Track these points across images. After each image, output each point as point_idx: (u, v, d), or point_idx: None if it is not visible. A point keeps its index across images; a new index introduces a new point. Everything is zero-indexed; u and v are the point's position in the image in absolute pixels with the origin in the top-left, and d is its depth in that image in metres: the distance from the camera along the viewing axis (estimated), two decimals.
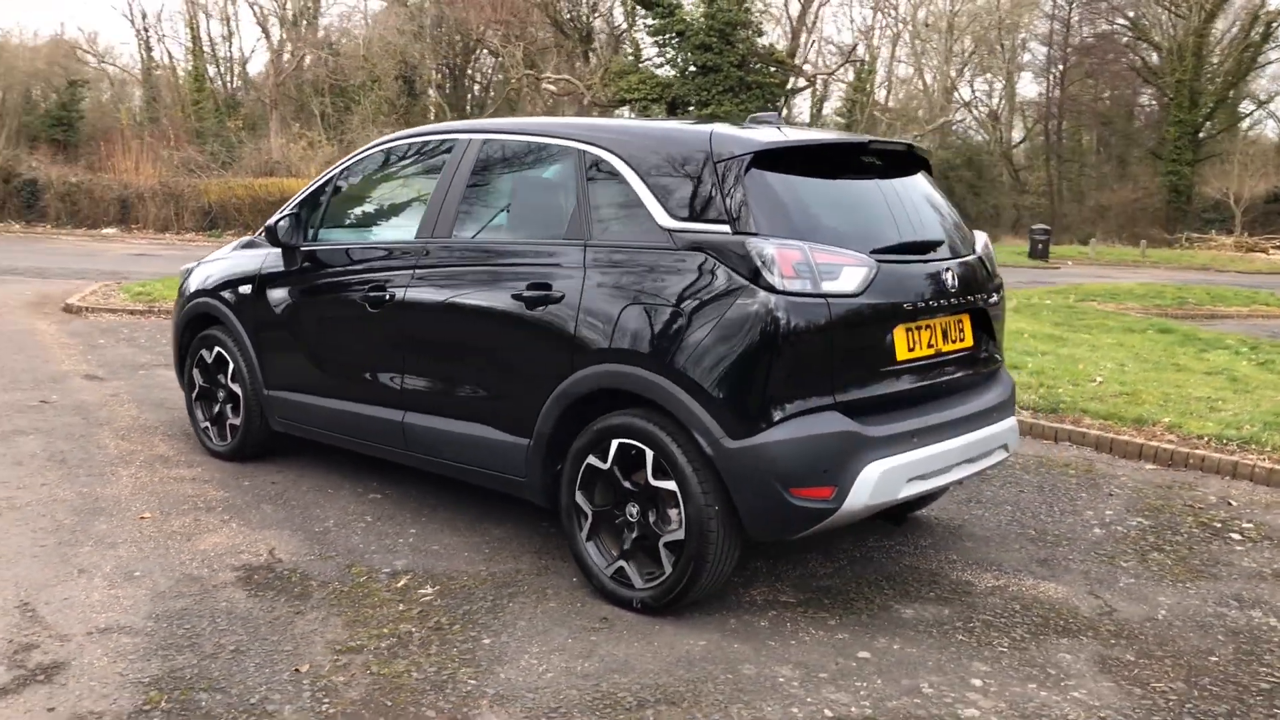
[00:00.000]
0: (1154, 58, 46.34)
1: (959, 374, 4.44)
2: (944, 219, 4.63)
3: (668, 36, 33.32)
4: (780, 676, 3.63)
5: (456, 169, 4.88)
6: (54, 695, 3.36)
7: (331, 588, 4.30)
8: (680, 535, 3.96)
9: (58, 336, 10.15)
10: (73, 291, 13.05)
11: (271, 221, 5.48)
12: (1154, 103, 48.16)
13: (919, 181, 4.68)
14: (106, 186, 26.07)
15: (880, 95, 44.81)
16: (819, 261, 3.85)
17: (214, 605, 4.08)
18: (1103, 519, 5.44)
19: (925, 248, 4.32)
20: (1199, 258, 32.82)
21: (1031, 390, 7.95)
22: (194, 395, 6.20)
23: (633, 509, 4.13)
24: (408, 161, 5.42)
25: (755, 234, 3.88)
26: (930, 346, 4.23)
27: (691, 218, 4.04)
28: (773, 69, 34.08)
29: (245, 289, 5.74)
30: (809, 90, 42.52)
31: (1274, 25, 42.21)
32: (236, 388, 5.85)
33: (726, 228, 3.94)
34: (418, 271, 4.85)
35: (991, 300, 4.66)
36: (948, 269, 4.29)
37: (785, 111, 38.54)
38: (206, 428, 6.13)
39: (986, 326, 4.61)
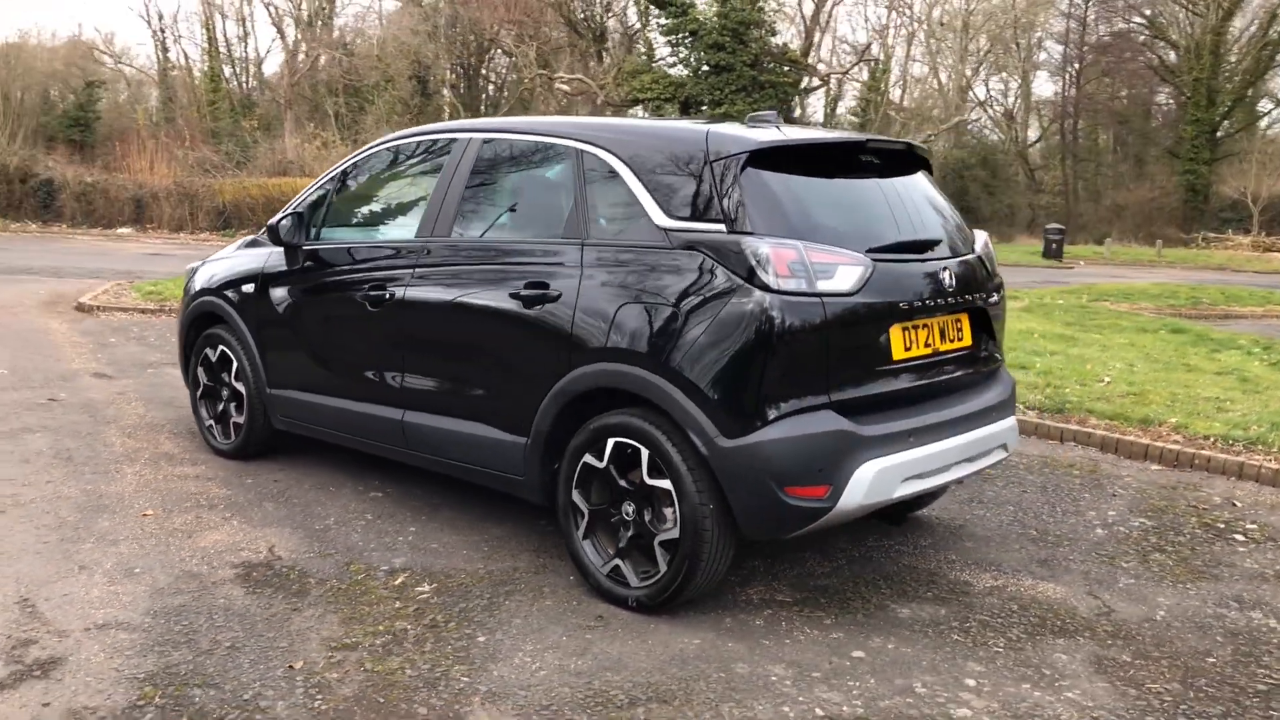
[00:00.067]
0: (1171, 56, 46.05)
1: (957, 373, 4.43)
2: (943, 218, 4.61)
3: (681, 36, 33.29)
4: (773, 675, 3.62)
5: (456, 168, 4.90)
6: (50, 691, 3.38)
7: (329, 585, 4.32)
8: (675, 534, 3.96)
9: (69, 335, 10.21)
10: (86, 290, 13.12)
11: (273, 221, 5.51)
12: (1171, 101, 47.88)
13: (919, 181, 4.67)
14: (122, 186, 26.21)
15: (895, 94, 44.72)
16: (814, 261, 3.85)
17: (212, 602, 4.11)
18: (1105, 519, 5.42)
19: (923, 247, 4.31)
20: (1216, 257, 32.61)
21: (1038, 390, 7.93)
22: (198, 394, 6.23)
23: (629, 508, 4.13)
24: (409, 161, 5.44)
25: (751, 233, 3.88)
26: (928, 346, 4.22)
27: (688, 217, 4.05)
28: (786, 68, 34.01)
29: (248, 288, 5.77)
30: (823, 90, 42.43)
31: None
32: (240, 386, 5.88)
33: (722, 227, 3.94)
34: (417, 270, 4.87)
35: (991, 300, 4.65)
36: (945, 268, 4.28)
37: (799, 111, 38.48)
38: (211, 426, 6.16)
39: (986, 326, 4.60)
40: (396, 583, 4.36)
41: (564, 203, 4.49)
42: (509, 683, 3.53)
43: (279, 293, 5.60)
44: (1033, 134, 51.27)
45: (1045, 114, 50.88)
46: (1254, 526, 5.37)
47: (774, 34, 34.62)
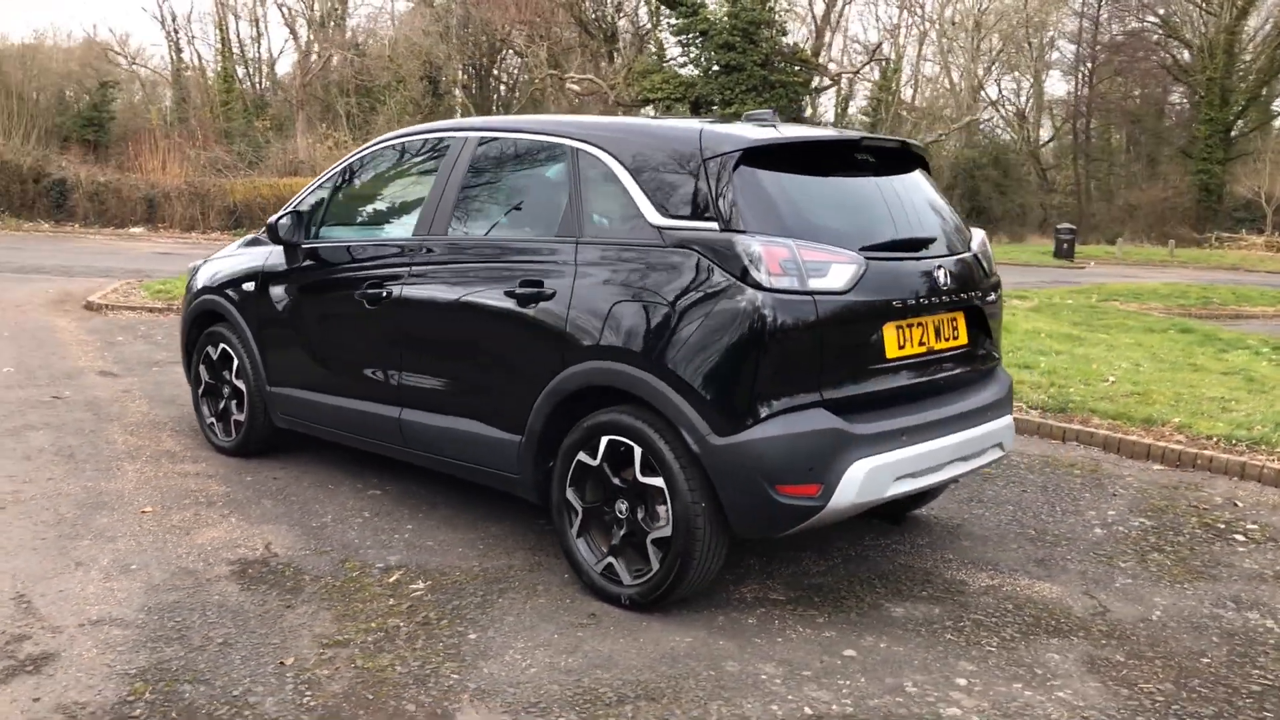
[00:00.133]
0: (1185, 55, 45.87)
1: (952, 372, 4.41)
2: (939, 217, 4.60)
3: (691, 36, 33.33)
4: (763, 674, 3.62)
5: (453, 167, 4.91)
6: (40, 686, 3.40)
7: (324, 582, 4.33)
8: (667, 532, 3.96)
9: (76, 334, 10.26)
10: (95, 289, 13.19)
11: (273, 219, 5.53)
12: (1184, 101, 47.68)
13: (915, 179, 4.66)
14: (134, 186, 26.33)
15: (906, 94, 44.63)
16: (806, 259, 3.84)
17: (206, 598, 4.12)
18: (1105, 519, 5.40)
19: (917, 245, 4.30)
20: (1229, 257, 32.46)
21: (1041, 390, 7.90)
22: (200, 391, 6.26)
23: (622, 505, 4.13)
24: (407, 160, 5.45)
25: (743, 232, 3.88)
26: (922, 344, 4.21)
27: (681, 215, 4.04)
28: (797, 68, 34.00)
29: (249, 286, 5.79)
30: (834, 89, 42.37)
31: None
32: (241, 384, 5.90)
33: (715, 225, 3.94)
34: (414, 269, 4.88)
35: (988, 299, 4.64)
36: (940, 267, 4.27)
37: (810, 110, 38.44)
38: (212, 423, 6.19)
39: (982, 325, 4.59)
40: (391, 580, 4.37)
41: (559, 201, 4.49)
42: (498, 680, 3.53)
43: (279, 291, 5.62)
44: (1045, 133, 51.13)
45: (1058, 113, 50.74)
46: (1255, 527, 5.34)
47: (784, 34, 34.63)
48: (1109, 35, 48.00)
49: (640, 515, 4.08)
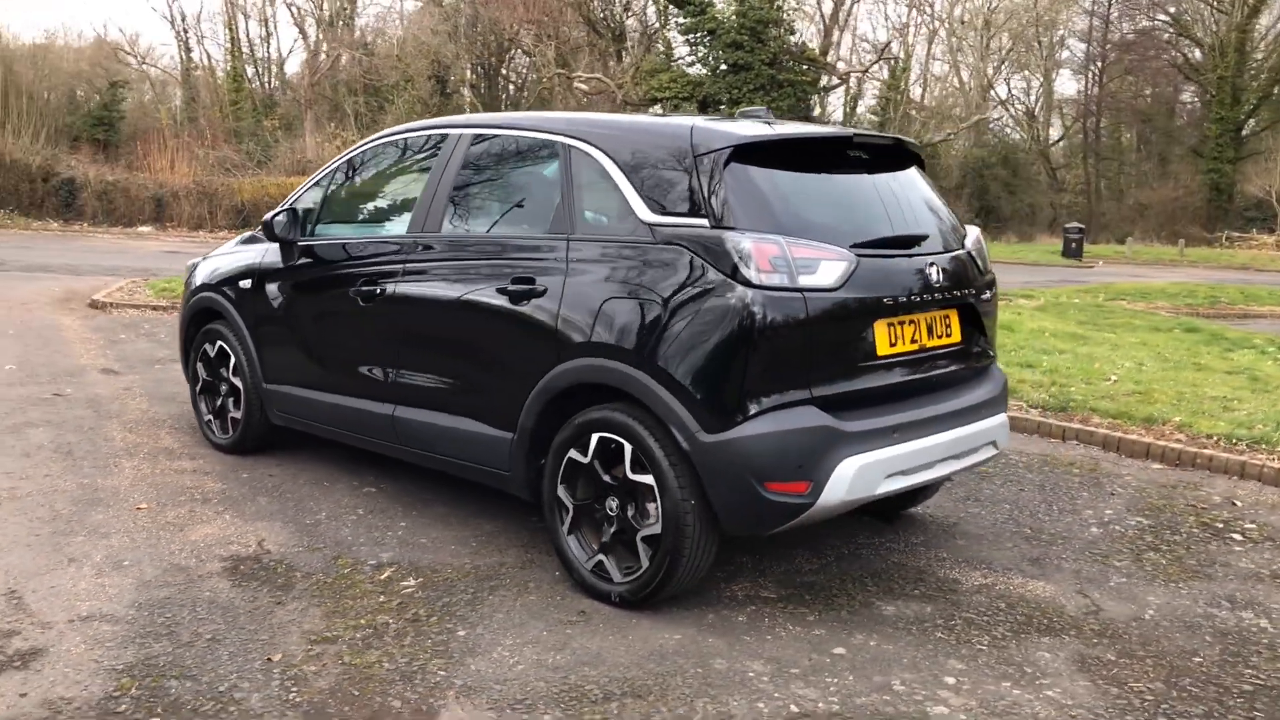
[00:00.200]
0: (1196, 54, 45.67)
1: (945, 370, 4.40)
2: (933, 214, 4.58)
3: (699, 35, 33.29)
4: (750, 671, 3.61)
5: (446, 164, 4.91)
6: (28, 681, 3.41)
7: (315, 579, 4.33)
8: (657, 529, 3.95)
9: (80, 332, 10.29)
10: (101, 288, 13.24)
11: (268, 216, 5.53)
12: (1195, 100, 47.48)
13: (910, 176, 4.64)
14: (142, 185, 26.43)
15: (916, 93, 44.50)
16: (796, 256, 3.83)
17: (197, 595, 4.13)
18: (1101, 518, 5.37)
19: (910, 242, 4.28)
20: (1239, 257, 32.31)
21: (1043, 389, 7.87)
22: (198, 389, 6.28)
23: (612, 503, 4.13)
24: (402, 157, 5.45)
25: (733, 228, 3.87)
26: (914, 342, 4.19)
27: (672, 212, 4.04)
28: (805, 67, 33.94)
29: (245, 283, 5.80)
30: (843, 88, 42.29)
31: None
32: (238, 381, 5.91)
33: (705, 222, 3.93)
34: (408, 266, 4.88)
35: (983, 297, 4.62)
36: (933, 264, 4.25)
37: (819, 109, 38.38)
38: (209, 421, 6.20)
39: (976, 322, 4.56)
40: (382, 577, 4.37)
41: (551, 198, 4.49)
42: (485, 677, 3.53)
43: (274, 288, 5.63)
44: (1055, 133, 50.95)
45: (1068, 112, 50.56)
46: (1253, 526, 5.31)
47: (792, 32, 34.55)
48: (1119, 34, 47.87)
49: (630, 513, 4.07)
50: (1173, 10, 45.75)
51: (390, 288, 4.91)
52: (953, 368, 4.44)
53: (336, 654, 3.67)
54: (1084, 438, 6.82)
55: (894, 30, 45.20)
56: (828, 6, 40.32)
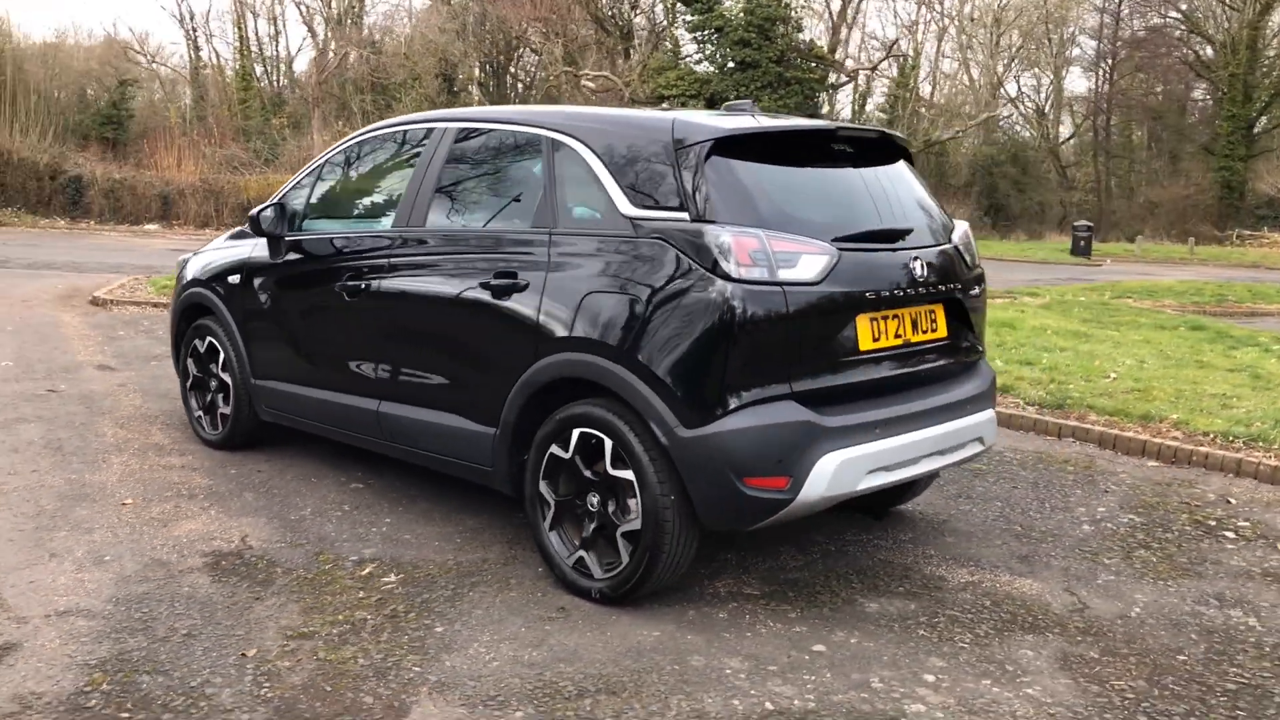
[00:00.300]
0: (1207, 51, 45.42)
1: (931, 365, 4.35)
2: (920, 208, 4.54)
3: (707, 32, 33.25)
4: (728, 668, 3.58)
5: (431, 158, 4.88)
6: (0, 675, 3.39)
7: (296, 575, 4.31)
8: (637, 525, 3.92)
9: (80, 328, 10.31)
10: (103, 285, 13.26)
11: (255, 212, 5.52)
12: (1207, 97, 47.23)
13: (898, 170, 4.60)
14: (149, 183, 26.50)
15: (925, 90, 44.36)
16: (776, 249, 3.79)
17: (176, 590, 4.11)
18: (1094, 516, 5.32)
19: (894, 236, 4.23)
20: (1250, 255, 32.10)
21: (1041, 386, 7.81)
22: (188, 384, 6.27)
23: (593, 499, 4.10)
24: (388, 151, 5.44)
25: (714, 222, 3.83)
26: (898, 337, 4.15)
27: (653, 206, 4.00)
28: (813, 64, 33.85)
29: (234, 279, 5.79)
30: (851, 86, 42.17)
31: None
32: (227, 377, 5.90)
33: (686, 216, 3.90)
34: (393, 261, 4.86)
35: (970, 292, 4.57)
36: (917, 258, 4.21)
37: (827, 107, 38.27)
38: (199, 416, 6.19)
39: (963, 317, 4.52)
40: (363, 573, 4.34)
41: (534, 192, 4.46)
42: (459, 673, 3.50)
43: (262, 283, 5.61)
44: (1065, 130, 50.70)
45: (1078, 110, 50.31)
46: (1246, 524, 5.25)
47: (800, 30, 34.48)
48: (1130, 31, 47.64)
49: (611, 508, 4.04)
50: (1184, 7, 45.52)
51: (375, 283, 4.89)
52: (938, 363, 4.40)
53: (312, 650, 3.65)
54: (1080, 435, 6.77)
55: (903, 27, 45.14)
56: (836, 4, 40.24)
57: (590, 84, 35.03)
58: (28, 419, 6.60)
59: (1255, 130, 42.88)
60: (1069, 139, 50.85)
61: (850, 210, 4.24)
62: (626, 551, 3.98)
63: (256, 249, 5.68)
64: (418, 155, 5.00)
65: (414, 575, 4.32)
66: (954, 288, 4.41)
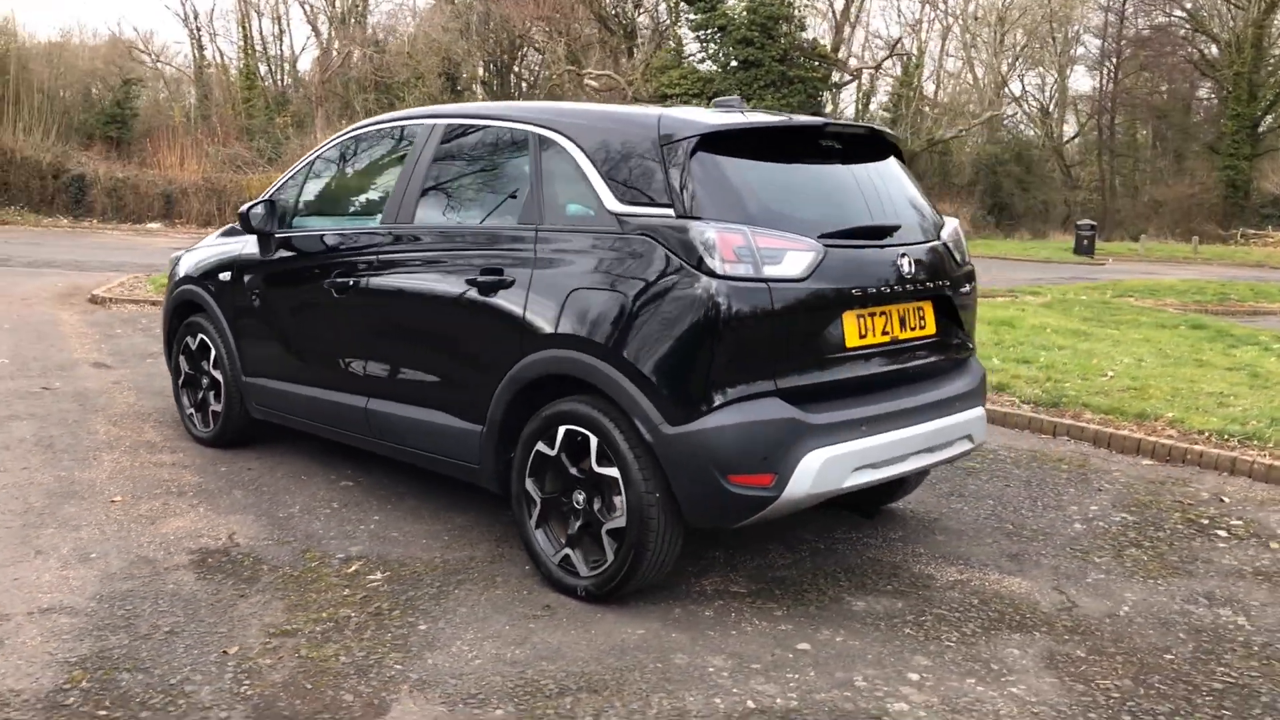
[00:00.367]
0: (1212, 50, 45.30)
1: (919, 362, 4.33)
2: (909, 205, 4.51)
3: (710, 31, 33.23)
4: (711, 667, 3.56)
5: (419, 155, 4.87)
6: None
7: (281, 572, 4.30)
8: (622, 523, 3.90)
9: (78, 326, 10.31)
10: (103, 283, 13.27)
11: (244, 208, 5.51)
12: (1212, 96, 47.09)
13: (889, 167, 4.58)
14: (151, 182, 26.56)
15: (929, 89, 44.26)
16: (761, 246, 3.77)
17: (160, 587, 4.10)
18: (1086, 514, 5.30)
19: (881, 233, 4.21)
20: (1254, 254, 31.99)
21: (1037, 384, 7.79)
22: (180, 381, 6.26)
23: (579, 496, 4.08)
24: (377, 148, 5.42)
25: (699, 218, 3.82)
26: (885, 334, 4.13)
27: (639, 202, 3.98)
28: (816, 63, 33.82)
29: (224, 276, 5.78)
30: (855, 85, 42.11)
31: None
32: (218, 374, 5.89)
33: (671, 212, 3.88)
34: (381, 257, 4.84)
35: (960, 289, 4.54)
36: (905, 255, 4.18)
37: (831, 106, 38.23)
38: (191, 414, 6.18)
39: (952, 314, 4.49)
40: (350, 571, 4.33)
41: (521, 188, 4.45)
42: (441, 671, 3.49)
43: (252, 280, 5.60)
44: (1069, 129, 50.60)
45: (1082, 109, 50.20)
46: (1239, 523, 5.22)
47: (803, 29, 34.44)
48: (1135, 29, 47.50)
49: (597, 506, 4.02)
50: (1189, 6, 45.40)
51: (363, 279, 4.88)
52: (927, 360, 4.37)
53: (294, 647, 3.64)
54: (1075, 433, 6.74)
55: (907, 26, 45.04)
56: (839, 2, 40.14)
57: (593, 83, 35.02)
58: (20, 416, 6.60)
59: (1260, 129, 42.74)
60: (1073, 138, 50.75)
61: (838, 207, 4.22)
62: (611, 549, 3.96)
63: (247, 246, 5.67)
64: (406, 152, 4.99)
65: (400, 573, 4.31)
66: (943, 285, 4.39)
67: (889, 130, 4.79)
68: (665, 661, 3.59)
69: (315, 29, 41.10)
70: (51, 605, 3.90)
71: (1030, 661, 3.68)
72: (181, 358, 6.20)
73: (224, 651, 3.58)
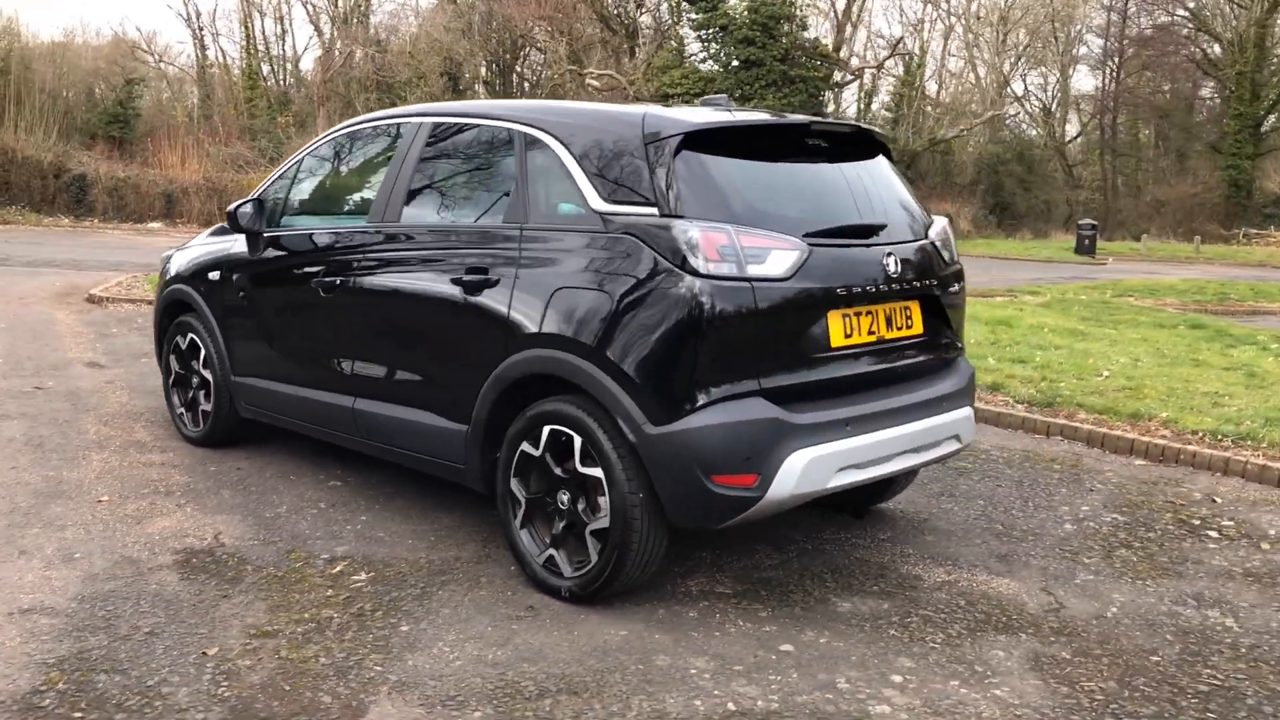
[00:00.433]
0: (1215, 49, 45.20)
1: (906, 362, 4.31)
2: (897, 204, 4.49)
3: (711, 31, 33.20)
4: (693, 668, 3.54)
5: (406, 154, 4.85)
6: None
7: (265, 572, 4.28)
8: (606, 523, 3.88)
9: (73, 326, 10.31)
10: (102, 283, 13.26)
11: (232, 207, 5.49)
12: (1214, 96, 46.99)
13: (876, 165, 4.55)
14: (153, 182, 26.55)
15: (931, 89, 44.20)
16: (745, 245, 3.75)
17: (143, 588, 4.08)
18: (1077, 515, 5.27)
19: (867, 232, 4.19)
20: (1256, 254, 31.92)
21: (1032, 384, 7.76)
22: (170, 381, 6.25)
23: (563, 496, 4.06)
24: (365, 146, 5.40)
25: (682, 217, 3.79)
26: (871, 333, 4.10)
27: (622, 201, 3.96)
28: (817, 63, 33.78)
29: (214, 275, 5.77)
30: (856, 84, 42.07)
31: None
32: (208, 374, 5.88)
33: (655, 211, 3.86)
34: (367, 256, 4.83)
35: (949, 288, 4.52)
36: (891, 254, 4.16)
37: (833, 105, 38.19)
38: (181, 413, 6.17)
39: (940, 314, 4.47)
40: (334, 571, 4.31)
41: (506, 187, 4.42)
42: (421, 672, 3.47)
43: (241, 280, 5.59)
44: (1071, 129, 50.51)
45: (1085, 108, 50.12)
46: (1230, 523, 5.19)
47: (805, 28, 34.41)
48: (1137, 29, 47.43)
49: (581, 506, 4.00)
50: (1192, 5, 45.32)
51: (350, 279, 4.87)
52: (914, 360, 4.35)
53: (274, 648, 3.62)
54: (1069, 433, 6.71)
55: (909, 26, 44.99)
56: (841, 2, 40.11)
57: (595, 82, 35.00)
58: (11, 416, 6.59)
59: (1263, 129, 42.65)
60: (1075, 137, 50.68)
61: (825, 206, 4.20)
62: (595, 550, 3.94)
63: (236, 245, 5.66)
64: (393, 151, 4.98)
65: (384, 573, 4.29)
66: (930, 284, 4.36)
67: (876, 129, 4.77)
68: (647, 663, 3.57)
69: (318, 28, 41.15)
70: (32, 606, 3.88)
71: (1015, 663, 3.65)
72: (172, 357, 6.19)
73: (203, 653, 3.57)
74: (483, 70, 40.18)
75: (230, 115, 35.81)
